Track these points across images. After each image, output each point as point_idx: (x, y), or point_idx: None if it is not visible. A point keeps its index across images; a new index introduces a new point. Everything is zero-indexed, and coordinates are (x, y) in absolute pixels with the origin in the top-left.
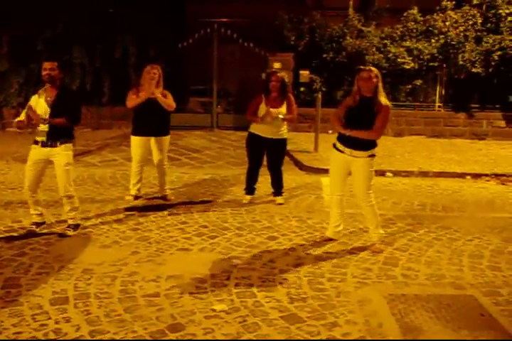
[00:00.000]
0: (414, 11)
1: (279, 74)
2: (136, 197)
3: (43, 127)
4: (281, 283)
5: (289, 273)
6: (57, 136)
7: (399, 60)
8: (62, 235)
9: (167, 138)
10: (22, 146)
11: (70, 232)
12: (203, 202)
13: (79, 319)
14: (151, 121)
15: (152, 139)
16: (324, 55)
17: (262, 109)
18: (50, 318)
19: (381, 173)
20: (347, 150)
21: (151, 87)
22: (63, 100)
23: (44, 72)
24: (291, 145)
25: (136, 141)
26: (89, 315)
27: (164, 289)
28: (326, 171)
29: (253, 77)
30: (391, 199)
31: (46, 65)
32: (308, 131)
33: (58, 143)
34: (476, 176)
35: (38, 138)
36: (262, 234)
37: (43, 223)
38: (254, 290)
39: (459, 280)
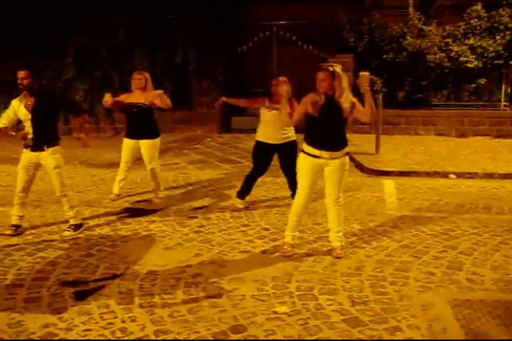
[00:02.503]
0: (478, 7)
1: (280, 79)
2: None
3: (30, 132)
4: (342, 286)
5: (350, 276)
6: (42, 140)
7: (462, 58)
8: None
9: (152, 141)
10: (87, 150)
11: (69, 232)
12: (264, 204)
13: (144, 318)
14: (136, 125)
15: (139, 142)
16: (384, 56)
17: (263, 112)
18: (116, 317)
19: (444, 175)
20: (325, 153)
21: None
22: (43, 105)
23: (18, 81)
24: (351, 147)
25: (124, 142)
26: (154, 315)
27: (226, 291)
28: (387, 173)
29: (312, 79)
30: (454, 201)
31: (19, 74)
32: (369, 132)
33: (45, 147)
34: None
35: (27, 143)
36: (324, 236)
37: (20, 226)
38: (316, 292)
39: None
